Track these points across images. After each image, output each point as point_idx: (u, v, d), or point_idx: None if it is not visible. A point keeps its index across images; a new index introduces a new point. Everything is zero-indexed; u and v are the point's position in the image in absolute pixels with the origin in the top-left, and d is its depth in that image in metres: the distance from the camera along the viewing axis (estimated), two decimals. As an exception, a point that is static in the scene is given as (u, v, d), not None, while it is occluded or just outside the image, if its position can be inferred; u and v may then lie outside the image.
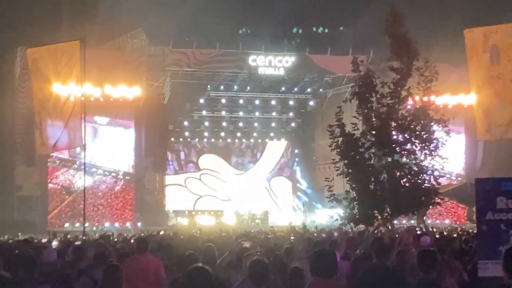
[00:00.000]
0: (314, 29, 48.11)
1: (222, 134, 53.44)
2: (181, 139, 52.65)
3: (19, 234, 29.54)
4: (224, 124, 52.77)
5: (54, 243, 19.52)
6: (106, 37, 41.19)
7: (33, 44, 29.72)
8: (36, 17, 38.52)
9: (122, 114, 43.13)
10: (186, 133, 52.55)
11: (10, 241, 23.25)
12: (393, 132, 18.24)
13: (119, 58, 41.58)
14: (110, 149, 43.04)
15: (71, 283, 9.24)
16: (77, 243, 16.95)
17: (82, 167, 28.31)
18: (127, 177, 43.65)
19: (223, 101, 50.76)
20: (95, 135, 42.22)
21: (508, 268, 5.86)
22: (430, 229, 23.11)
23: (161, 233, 25.30)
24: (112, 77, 40.60)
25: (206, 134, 53.07)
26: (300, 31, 48.25)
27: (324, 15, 47.32)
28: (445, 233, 22.72)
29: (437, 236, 17.70)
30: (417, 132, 18.19)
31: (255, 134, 54.30)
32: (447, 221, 43.74)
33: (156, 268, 10.31)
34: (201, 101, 50.28)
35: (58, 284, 9.00)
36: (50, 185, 41.80)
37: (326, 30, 48.02)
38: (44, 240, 22.13)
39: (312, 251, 9.01)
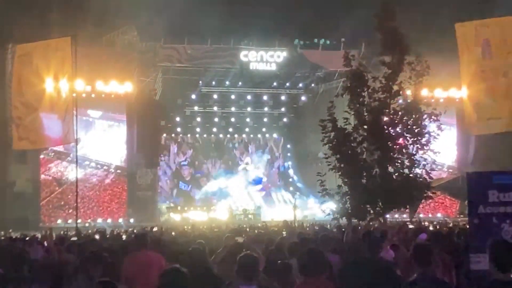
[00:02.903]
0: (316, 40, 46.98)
1: (214, 129, 53.46)
2: (173, 135, 52.66)
3: (10, 230, 29.47)
4: (216, 119, 52.77)
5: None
6: (97, 33, 41.06)
7: (24, 41, 29.56)
8: (27, 14, 38.34)
9: (114, 108, 43.19)
10: (178, 129, 52.54)
11: (3, 238, 23.21)
12: (385, 127, 18.24)
13: (110, 55, 41.49)
14: (103, 142, 43.14)
15: (61, 282, 9.16)
16: (73, 239, 16.94)
17: (77, 159, 28.34)
18: (118, 171, 43.68)
19: (215, 96, 50.75)
20: (88, 129, 42.32)
21: (496, 261, 5.88)
22: (422, 223, 23.19)
23: (155, 229, 25.27)
24: (104, 73, 40.54)
25: (198, 129, 53.08)
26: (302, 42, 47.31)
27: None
28: (437, 227, 22.81)
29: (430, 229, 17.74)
30: (409, 127, 18.20)
31: (247, 130, 54.33)
32: (439, 215, 43.89)
33: (160, 263, 10.21)
34: (193, 96, 50.25)
35: (49, 282, 8.95)
36: (42, 176, 41.85)
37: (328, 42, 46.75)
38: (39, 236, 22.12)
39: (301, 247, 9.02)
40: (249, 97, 51.27)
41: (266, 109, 53.07)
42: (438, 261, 9.04)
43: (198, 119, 52.27)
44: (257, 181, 53.74)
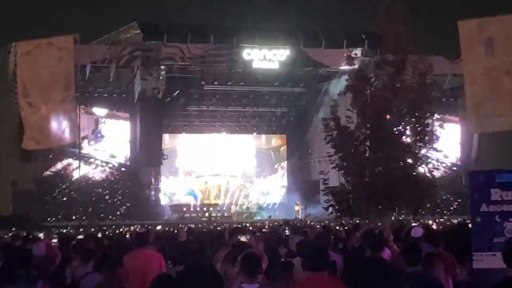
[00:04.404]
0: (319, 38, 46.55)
1: (217, 128, 53.39)
2: (175, 134, 52.59)
3: (13, 229, 29.49)
4: (218, 118, 52.70)
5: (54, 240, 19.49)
6: (100, 31, 41.13)
7: (25, 39, 29.61)
8: (29, 13, 38.41)
9: (118, 106, 43.34)
10: (181, 128, 52.45)
11: (6, 236, 23.25)
12: (388, 125, 18.23)
13: (113, 53, 41.39)
14: (108, 140, 43.32)
15: (64, 281, 9.15)
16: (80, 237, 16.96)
17: (81, 157, 28.48)
18: (122, 169, 43.79)
19: (218, 95, 50.60)
20: (94, 126, 42.49)
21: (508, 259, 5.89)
22: (423, 222, 23.17)
23: (158, 227, 25.30)
24: (106, 72, 40.59)
25: (201, 128, 52.99)
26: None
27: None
28: (441, 226, 22.76)
29: (432, 228, 17.72)
30: (412, 125, 18.20)
31: (249, 128, 54.24)
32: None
33: (158, 263, 10.25)
34: (196, 95, 50.11)
35: (52, 280, 8.94)
36: (46, 174, 41.91)
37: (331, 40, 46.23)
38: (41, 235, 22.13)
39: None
40: (251, 95, 51.13)
41: (268, 107, 52.92)
42: (439, 260, 9.01)
43: (201, 117, 52.19)
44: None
